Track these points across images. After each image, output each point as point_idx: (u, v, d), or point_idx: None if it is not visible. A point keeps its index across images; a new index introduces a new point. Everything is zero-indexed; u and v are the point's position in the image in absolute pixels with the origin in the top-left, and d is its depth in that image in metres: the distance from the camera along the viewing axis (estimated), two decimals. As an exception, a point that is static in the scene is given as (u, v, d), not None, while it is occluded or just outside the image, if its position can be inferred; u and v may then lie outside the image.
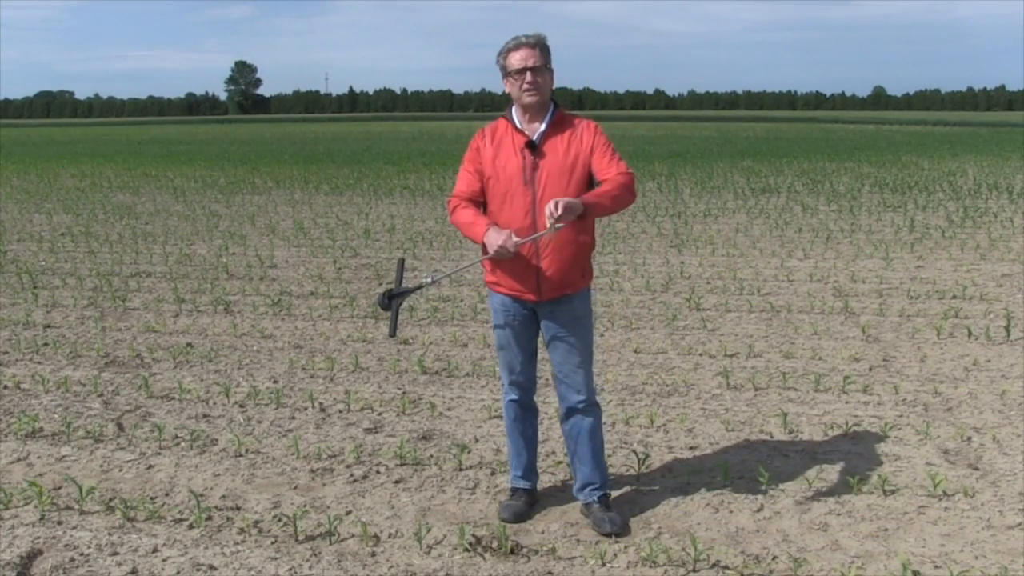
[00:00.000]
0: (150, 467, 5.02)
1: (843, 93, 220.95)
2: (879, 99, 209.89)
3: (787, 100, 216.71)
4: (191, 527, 4.27)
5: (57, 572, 3.87)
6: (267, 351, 7.39)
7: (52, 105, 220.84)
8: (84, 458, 5.14)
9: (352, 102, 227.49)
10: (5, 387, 6.46)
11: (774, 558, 3.95)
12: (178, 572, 3.87)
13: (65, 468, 4.99)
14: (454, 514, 4.41)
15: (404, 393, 6.24)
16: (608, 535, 4.14)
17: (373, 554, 4.01)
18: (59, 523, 4.32)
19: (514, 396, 4.38)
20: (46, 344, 7.57)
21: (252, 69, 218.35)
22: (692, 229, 13.94)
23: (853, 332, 7.75)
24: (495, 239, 3.96)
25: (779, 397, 6.12)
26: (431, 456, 5.11)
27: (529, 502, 4.43)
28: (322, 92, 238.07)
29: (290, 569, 3.88)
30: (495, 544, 4.01)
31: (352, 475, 4.86)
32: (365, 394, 6.23)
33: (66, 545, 4.09)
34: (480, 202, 4.18)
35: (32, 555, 4.00)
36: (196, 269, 11.03)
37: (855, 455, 5.09)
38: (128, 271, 10.91)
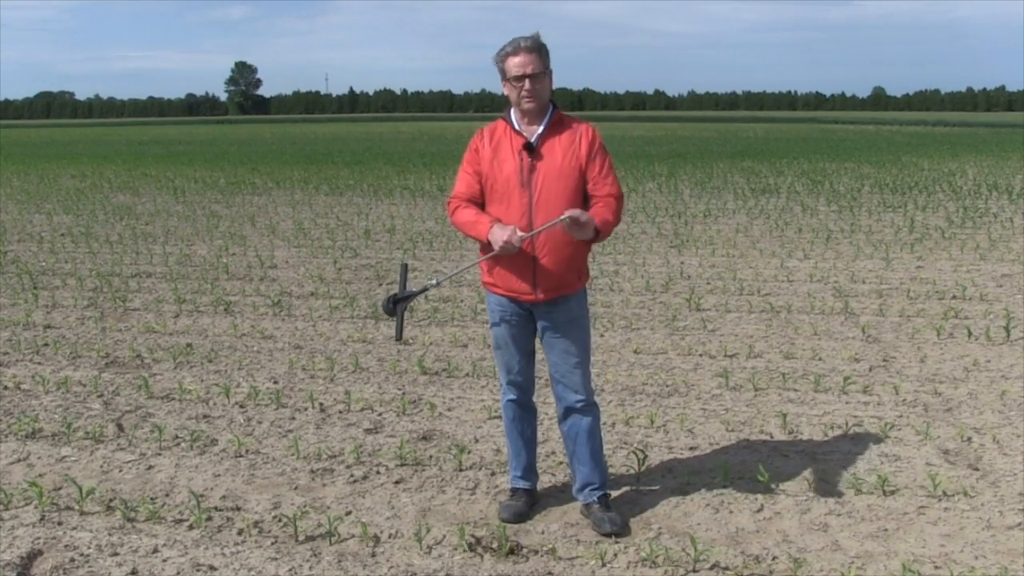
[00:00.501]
0: (150, 467, 5.02)
1: (843, 94, 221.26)
2: (879, 99, 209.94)
3: (787, 100, 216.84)
4: (191, 527, 4.27)
5: (57, 572, 3.87)
6: (267, 351, 7.39)
7: (52, 106, 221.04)
8: (84, 458, 5.14)
9: (352, 102, 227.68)
10: (5, 387, 6.46)
11: (774, 558, 3.95)
12: (178, 572, 3.88)
13: (65, 469, 4.99)
14: (454, 514, 4.41)
15: (404, 393, 6.24)
16: (608, 535, 4.14)
17: (373, 554, 4.02)
18: (59, 523, 4.32)
19: (512, 396, 4.38)
20: (46, 344, 7.58)
21: (252, 70, 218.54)
22: (692, 229, 13.94)
23: (853, 332, 7.75)
24: (500, 235, 3.96)
25: (779, 397, 6.12)
26: (431, 456, 5.12)
27: (529, 502, 4.43)
28: (322, 92, 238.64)
29: (290, 569, 3.88)
30: (495, 544, 4.01)
31: (352, 475, 4.86)
32: (365, 394, 6.23)
33: (66, 545, 4.09)
34: (480, 203, 4.18)
35: (32, 555, 4.00)
36: (196, 269, 11.03)
37: (855, 455, 5.09)
38: (128, 271, 10.91)
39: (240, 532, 4.23)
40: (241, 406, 6.04)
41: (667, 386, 6.38)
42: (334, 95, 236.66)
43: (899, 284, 9.74)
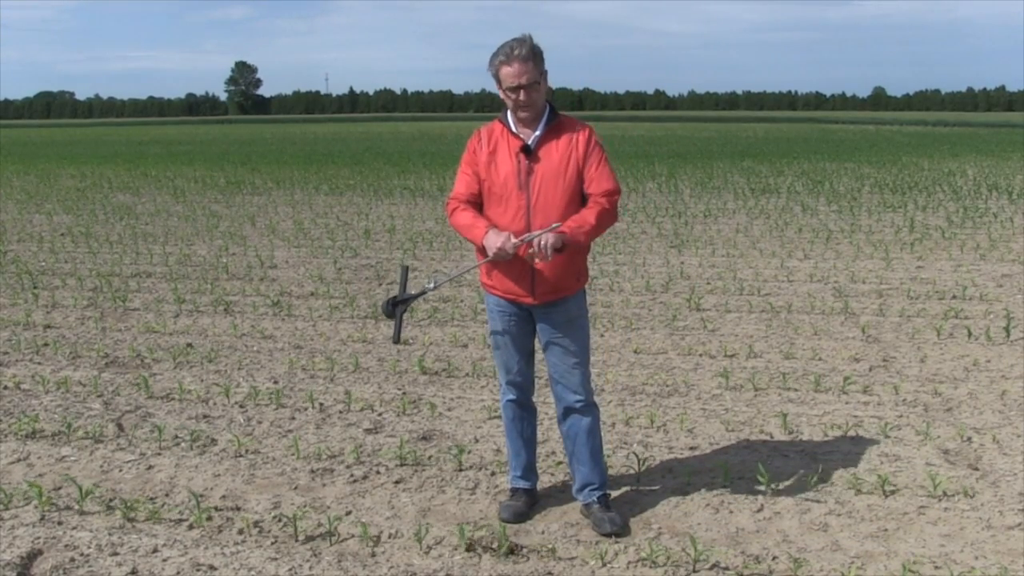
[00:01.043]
0: (150, 467, 5.02)
1: (843, 93, 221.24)
2: (879, 99, 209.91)
3: (787, 100, 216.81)
4: (191, 527, 4.27)
5: (57, 572, 3.87)
6: (267, 351, 7.39)
7: (52, 106, 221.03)
8: (84, 458, 5.14)
9: (352, 102, 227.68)
10: (5, 387, 6.46)
11: (774, 558, 3.95)
12: (178, 572, 3.88)
13: (65, 468, 4.99)
14: (454, 514, 4.41)
15: (404, 393, 6.24)
16: (608, 535, 4.14)
17: (373, 554, 4.02)
18: (59, 523, 4.32)
19: (512, 396, 4.38)
20: (46, 344, 7.58)
21: (252, 69, 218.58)
22: (692, 229, 13.94)
23: (853, 332, 7.75)
24: (494, 241, 3.97)
25: (779, 397, 6.12)
26: (431, 456, 5.12)
27: (529, 502, 4.43)
28: (322, 92, 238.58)
29: (290, 569, 3.88)
30: (495, 544, 4.01)
31: (352, 475, 4.86)
32: (365, 394, 6.23)
33: (66, 545, 4.09)
34: (479, 203, 4.19)
35: (32, 555, 4.00)
36: (196, 269, 11.03)
37: (855, 455, 5.09)
38: (128, 271, 10.91)
39: (240, 532, 4.23)
40: (241, 406, 6.04)
41: (667, 386, 6.38)
42: (334, 95, 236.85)
43: (899, 284, 9.75)
